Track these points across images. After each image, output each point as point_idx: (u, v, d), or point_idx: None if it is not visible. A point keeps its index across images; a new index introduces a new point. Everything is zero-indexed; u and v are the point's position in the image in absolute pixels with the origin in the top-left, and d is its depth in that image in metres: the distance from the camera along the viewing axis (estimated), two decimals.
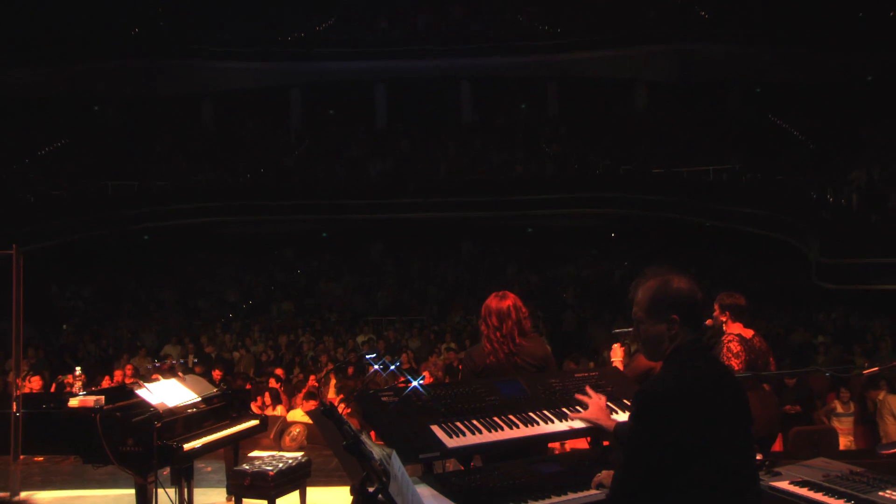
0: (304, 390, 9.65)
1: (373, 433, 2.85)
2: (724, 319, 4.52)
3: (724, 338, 4.45)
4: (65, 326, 15.57)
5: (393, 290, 19.09)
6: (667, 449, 1.98)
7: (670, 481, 1.98)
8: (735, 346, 4.33)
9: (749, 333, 4.46)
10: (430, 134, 23.03)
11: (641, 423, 2.04)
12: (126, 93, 23.05)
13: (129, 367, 9.98)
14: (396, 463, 2.08)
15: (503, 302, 3.75)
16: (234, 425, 5.11)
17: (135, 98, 23.28)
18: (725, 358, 4.29)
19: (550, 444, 4.63)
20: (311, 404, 9.18)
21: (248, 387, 9.34)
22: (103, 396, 4.50)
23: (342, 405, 7.90)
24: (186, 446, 4.41)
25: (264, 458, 5.09)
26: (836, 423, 7.54)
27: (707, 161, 18.47)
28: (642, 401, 2.05)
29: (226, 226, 20.21)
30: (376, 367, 3.04)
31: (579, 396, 3.00)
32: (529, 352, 3.68)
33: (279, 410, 9.07)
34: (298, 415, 9.10)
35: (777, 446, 5.95)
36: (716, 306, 4.55)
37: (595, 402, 2.90)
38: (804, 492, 2.74)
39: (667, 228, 18.78)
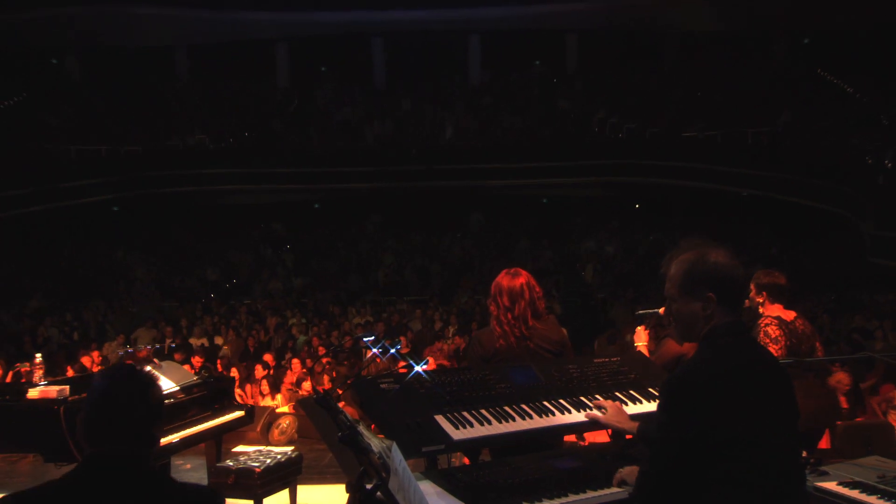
0: (294, 378, 9.70)
1: (371, 424, 2.85)
2: (760, 300, 4.46)
3: (760, 321, 4.38)
4: (23, 309, 15.57)
5: (393, 267, 19.11)
6: (699, 443, 1.96)
7: (702, 479, 1.97)
8: (773, 331, 4.27)
9: (790, 315, 4.41)
10: (434, 94, 22.87)
11: (670, 413, 2.03)
12: (90, 43, 22.60)
13: (96, 353, 10.03)
14: (397, 456, 2.07)
15: (515, 280, 3.74)
16: (217, 417, 5.13)
17: (100, 50, 22.83)
18: (762, 344, 4.25)
19: (566, 437, 4.65)
20: (302, 393, 9.23)
21: (232, 374, 9.38)
22: (67, 387, 4.46)
23: (337, 393, 7.93)
24: (163, 441, 4.42)
25: (250, 453, 5.11)
26: (892, 417, 7.43)
27: (746, 122, 18.25)
28: (672, 389, 2.04)
29: (205, 196, 20.18)
30: (374, 350, 3.04)
31: (594, 404, 2.99)
32: (544, 335, 3.68)
33: (267, 400, 9.13)
34: (288, 405, 9.16)
35: (824, 443, 5.91)
36: (752, 286, 4.48)
37: (612, 405, 2.90)
38: (855, 494, 2.68)
39: (698, 199, 18.69)
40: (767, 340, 4.23)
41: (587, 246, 19.99)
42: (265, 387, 9.23)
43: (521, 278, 3.76)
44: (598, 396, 2.99)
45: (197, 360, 10.06)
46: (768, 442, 2.01)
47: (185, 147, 20.26)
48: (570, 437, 4.52)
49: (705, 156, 18.22)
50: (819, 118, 17.56)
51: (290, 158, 20.13)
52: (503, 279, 3.78)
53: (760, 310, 4.46)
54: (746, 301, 4.40)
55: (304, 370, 10.01)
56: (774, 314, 4.39)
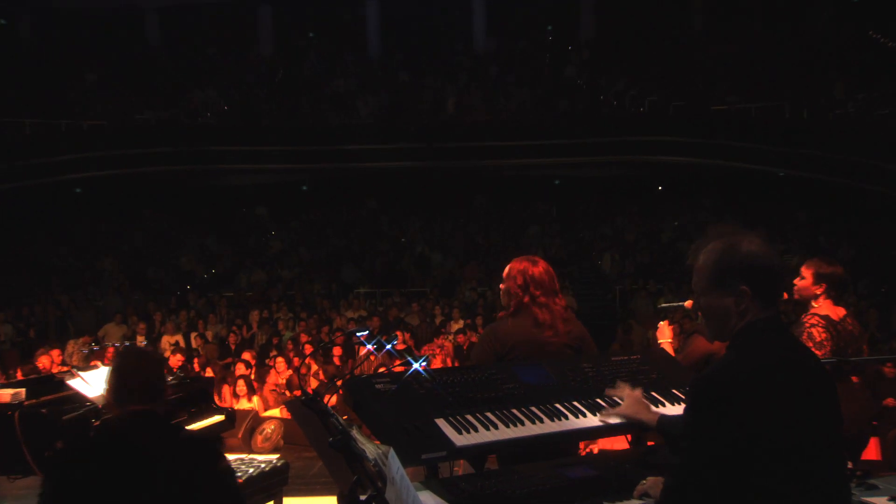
0: (279, 378, 9.71)
1: (365, 428, 2.84)
2: (818, 293, 4.26)
3: (805, 318, 4.23)
4: None
5: (389, 256, 19.11)
6: (731, 451, 1.95)
7: (735, 493, 1.95)
8: (819, 333, 4.12)
9: (839, 313, 4.25)
10: (435, 63, 22.80)
11: (699, 418, 2.01)
12: (44, 4, 22.31)
13: (56, 352, 9.97)
14: (394, 464, 2.06)
15: (536, 267, 3.76)
16: (194, 422, 5.13)
17: (56, 11, 22.52)
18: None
19: (581, 444, 4.64)
20: (289, 395, 9.24)
21: (210, 374, 9.39)
22: (24, 389, 4.38)
23: (327, 394, 7.93)
24: None
25: (231, 462, 5.10)
26: None
27: (784, 94, 18.13)
28: (701, 390, 2.03)
29: (180, 177, 20.15)
30: (369, 347, 3.03)
31: (610, 392, 2.99)
32: (571, 333, 3.70)
33: (243, 403, 9.13)
34: (273, 408, 9.18)
35: (872, 453, 5.88)
36: (808, 274, 4.28)
37: (630, 394, 2.90)
38: None
39: (729, 180, 18.63)
40: (810, 344, 4.06)
41: (604, 232, 19.97)
42: (242, 388, 9.22)
43: (541, 266, 3.79)
44: (616, 398, 2.98)
45: (172, 359, 10.05)
46: (809, 451, 1.99)
47: (156, 122, 20.21)
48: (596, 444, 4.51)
49: (737, 131, 18.10)
50: (869, 87, 17.29)
51: (275, 135, 20.09)
52: (526, 266, 3.78)
53: (813, 303, 4.28)
54: (784, 293, 4.33)
55: (291, 369, 10.02)
56: (823, 312, 4.21)
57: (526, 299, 3.72)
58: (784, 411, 1.98)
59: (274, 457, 5.29)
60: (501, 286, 3.88)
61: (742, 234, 2.15)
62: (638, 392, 2.92)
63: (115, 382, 2.68)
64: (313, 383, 9.88)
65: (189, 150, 19.58)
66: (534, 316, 3.67)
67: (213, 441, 2.86)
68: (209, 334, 13.11)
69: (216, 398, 8.02)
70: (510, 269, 3.80)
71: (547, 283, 3.73)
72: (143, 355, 2.84)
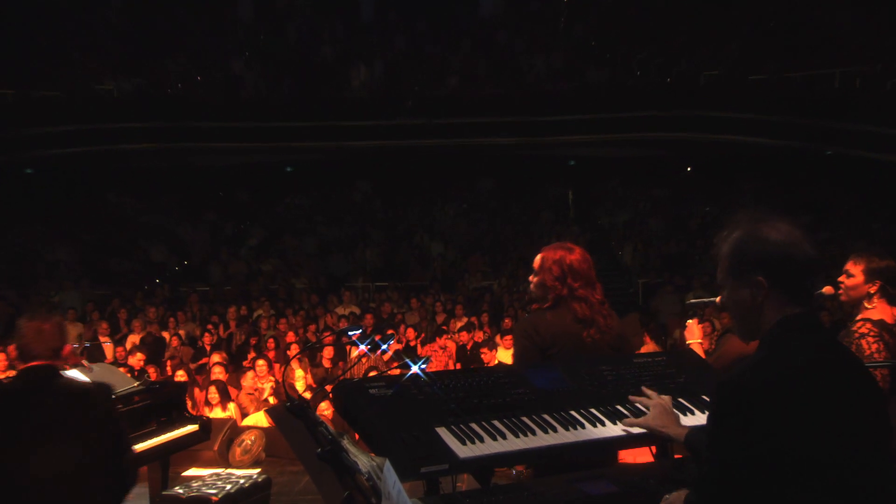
0: (259, 382, 9.70)
1: (358, 437, 2.84)
2: (872, 292, 4.06)
3: (856, 326, 4.00)
4: None
5: (384, 245, 19.10)
6: (757, 462, 1.95)
7: None
8: (869, 345, 3.90)
9: (892, 313, 4.06)
10: (435, 29, 22.74)
11: (722, 425, 2.02)
12: None
13: (2, 356, 9.94)
14: (390, 478, 2.06)
15: (573, 255, 3.79)
16: (163, 433, 5.13)
17: None
18: None
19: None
20: (272, 401, 9.23)
21: (183, 378, 9.38)
22: None
23: (315, 401, 7.93)
24: None
25: (205, 477, 5.10)
26: None
27: (832, 62, 18.02)
28: (724, 395, 2.03)
29: (149, 156, 20.12)
30: (362, 347, 3.03)
31: (633, 399, 2.98)
32: (611, 329, 3.73)
33: (224, 412, 9.12)
34: (254, 416, 9.17)
35: None
36: (857, 271, 4.11)
37: (657, 402, 2.89)
38: None
39: (769, 159, 18.60)
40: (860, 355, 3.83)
41: (625, 220, 19.95)
42: (214, 394, 9.20)
43: (579, 253, 3.82)
44: (639, 406, 2.98)
45: (139, 360, 10.05)
46: (848, 464, 1.98)
47: (120, 94, 20.12)
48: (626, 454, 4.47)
49: (779, 104, 18.02)
50: None
51: (256, 110, 20.04)
52: (563, 255, 3.79)
53: (866, 304, 4.08)
54: (829, 287, 4.24)
55: (273, 373, 10.00)
56: (877, 316, 4.00)
57: (564, 292, 3.73)
58: (817, 420, 1.98)
59: (254, 471, 5.28)
60: (533, 279, 3.87)
61: (770, 220, 2.16)
62: (666, 399, 2.90)
63: (20, 344, 3.54)
64: (299, 388, 9.87)
65: (158, 126, 19.49)
66: (573, 311, 3.68)
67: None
68: (181, 333, 13.10)
69: (189, 406, 8.03)
70: (544, 260, 3.80)
71: (585, 273, 3.75)
72: (43, 321, 3.60)
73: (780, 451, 1.94)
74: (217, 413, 9.01)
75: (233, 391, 9.53)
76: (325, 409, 8.32)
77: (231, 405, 9.22)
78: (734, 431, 1.98)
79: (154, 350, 11.80)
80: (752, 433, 1.95)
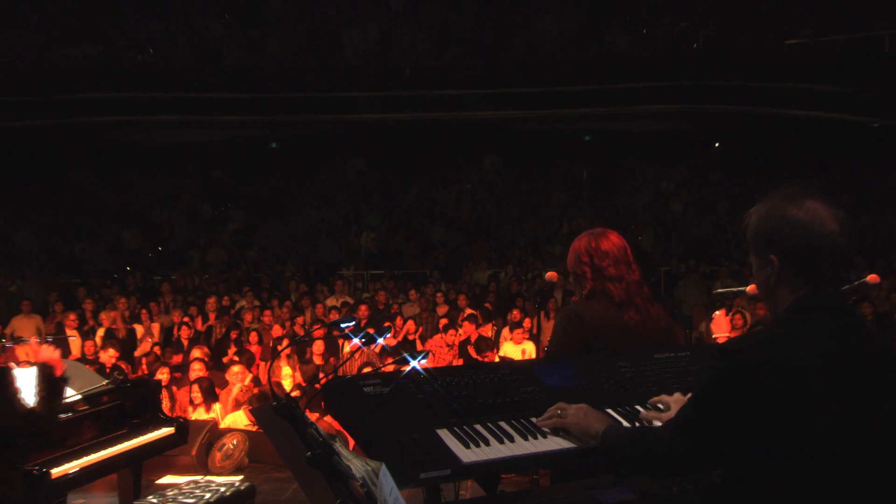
0: (242, 380, 9.70)
1: (351, 440, 2.83)
2: None
3: None
4: None
5: (380, 230, 19.08)
6: (735, 435, 2.09)
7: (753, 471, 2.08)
8: None
9: None
10: None
11: (711, 388, 2.17)
12: None
13: None
14: (387, 484, 2.05)
15: (602, 237, 3.83)
16: (135, 436, 5.11)
17: None
18: None
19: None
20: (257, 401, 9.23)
21: (164, 377, 9.38)
22: None
23: (304, 399, 7.92)
24: (55, 471, 4.39)
25: (182, 486, 5.09)
26: None
27: (879, 24, 17.93)
28: (719, 358, 2.16)
29: (117, 130, 20.08)
30: (356, 341, 3.01)
31: (654, 400, 2.97)
32: (656, 318, 3.75)
33: (200, 412, 9.13)
34: (236, 417, 9.17)
35: None
36: None
37: (681, 400, 2.88)
38: None
39: (807, 133, 18.50)
40: None
41: (645, 201, 19.92)
42: (198, 393, 9.21)
43: (611, 234, 3.87)
44: (660, 406, 2.97)
45: (108, 356, 10.04)
46: (856, 457, 2.04)
47: (84, 60, 20.05)
48: None
49: (818, 72, 17.94)
50: None
51: (236, 79, 19.99)
52: (588, 240, 3.83)
53: None
54: (874, 276, 4.25)
55: (257, 370, 10.01)
56: None
57: (593, 275, 3.78)
58: (819, 405, 2.04)
59: (237, 479, 5.27)
60: (571, 277, 3.91)
61: (800, 197, 2.19)
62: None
63: None
64: (286, 387, 9.88)
65: (127, 97, 19.44)
66: (608, 293, 3.71)
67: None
68: (155, 327, 13.10)
69: (164, 406, 8.03)
70: (573, 253, 3.84)
71: (615, 253, 3.78)
72: None
73: (764, 430, 2.04)
74: (201, 414, 9.02)
75: (213, 391, 9.53)
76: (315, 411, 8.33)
77: (217, 406, 9.23)
78: (720, 399, 2.11)
79: (125, 345, 11.80)
80: (738, 403, 2.06)
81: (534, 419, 2.84)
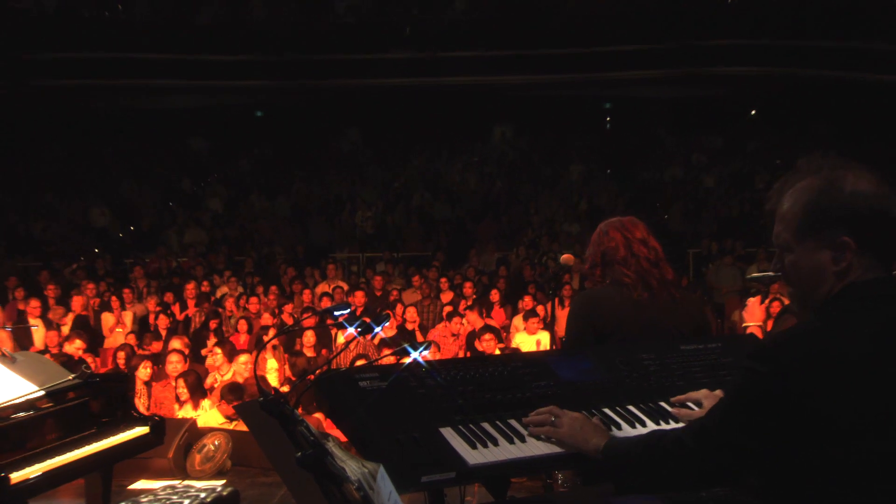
0: (224, 374, 9.72)
1: (345, 439, 2.84)
2: None
3: None
4: None
5: (376, 208, 19.08)
6: (775, 445, 2.04)
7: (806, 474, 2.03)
8: None
9: None
10: None
11: (741, 396, 2.13)
12: None
13: None
14: (385, 488, 2.05)
15: (618, 220, 3.88)
16: (105, 437, 5.10)
17: None
18: None
19: None
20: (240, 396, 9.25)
21: (137, 372, 9.40)
22: None
23: (294, 395, 7.93)
24: (14, 476, 4.36)
25: (157, 491, 5.09)
26: None
27: None
28: (751, 365, 2.10)
29: (82, 95, 20.06)
30: (350, 330, 3.02)
31: (679, 399, 2.97)
32: (686, 308, 3.77)
33: (187, 409, 9.15)
34: (217, 416, 9.19)
35: None
36: None
37: (709, 395, 2.90)
38: None
39: (853, 99, 18.45)
40: None
41: (673, 175, 19.90)
42: (184, 389, 9.23)
43: (626, 218, 3.93)
44: (690, 405, 2.98)
45: (74, 348, 10.04)
46: None
47: (40, 13, 19.91)
48: None
49: (866, 28, 17.86)
50: None
51: (217, 39, 19.96)
52: (602, 226, 3.90)
53: None
54: None
55: (240, 362, 10.01)
56: None
57: (602, 258, 3.85)
58: (873, 409, 1.98)
59: (218, 483, 5.29)
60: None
61: (845, 167, 2.15)
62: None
63: None
64: (273, 382, 9.89)
65: (91, 57, 19.40)
66: (620, 275, 3.76)
67: None
68: (127, 315, 13.11)
69: (137, 403, 8.04)
70: (609, 233, 3.89)
71: (624, 233, 3.82)
72: None
73: (821, 439, 1.98)
74: (188, 412, 9.05)
75: (192, 387, 9.54)
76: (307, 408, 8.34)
77: (205, 402, 9.25)
78: (760, 404, 2.05)
79: (93, 336, 11.80)
80: (786, 410, 2.01)
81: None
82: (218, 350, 9.94)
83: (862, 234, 2.09)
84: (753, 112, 21.43)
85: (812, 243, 2.15)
